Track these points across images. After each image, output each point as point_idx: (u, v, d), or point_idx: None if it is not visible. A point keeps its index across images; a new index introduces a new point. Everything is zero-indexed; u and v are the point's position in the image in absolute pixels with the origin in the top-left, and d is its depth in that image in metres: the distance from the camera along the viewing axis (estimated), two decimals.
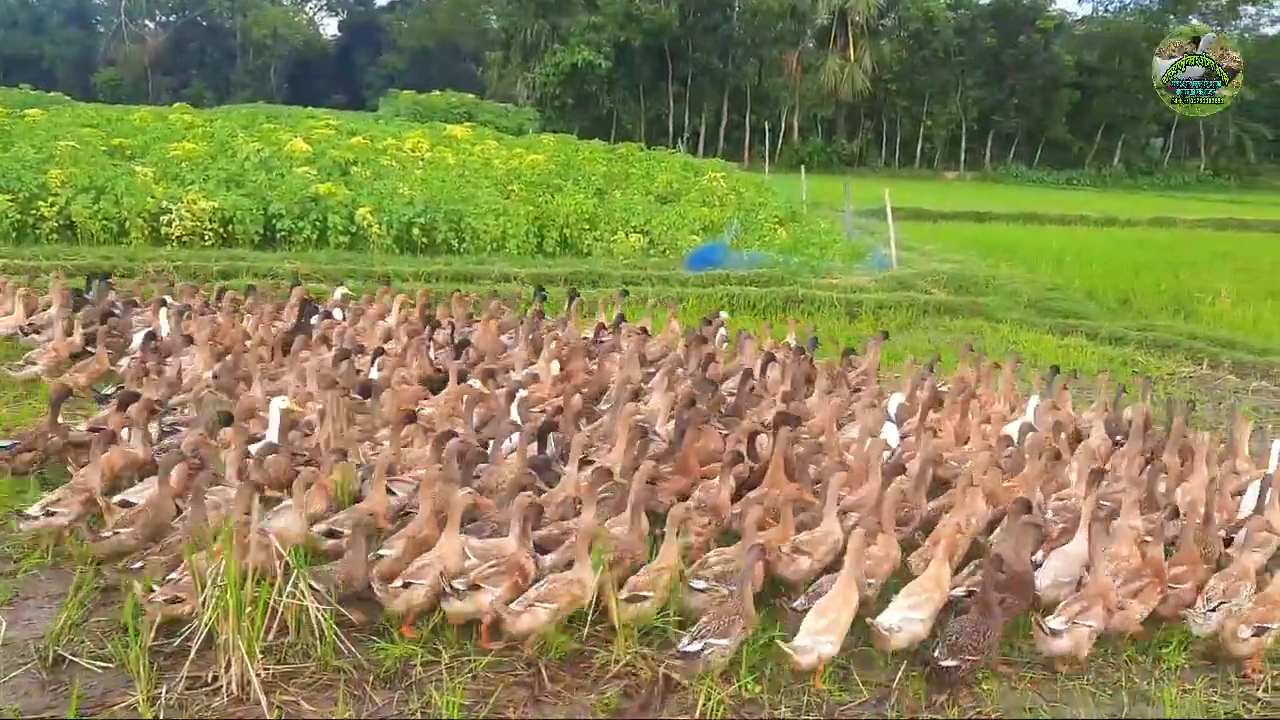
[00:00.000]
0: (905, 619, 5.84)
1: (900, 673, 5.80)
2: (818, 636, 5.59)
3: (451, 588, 5.83)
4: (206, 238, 18.05)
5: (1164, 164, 76.87)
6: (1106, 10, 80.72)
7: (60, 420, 7.91)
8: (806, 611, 5.80)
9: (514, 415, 8.46)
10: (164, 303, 11.80)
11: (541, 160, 27.14)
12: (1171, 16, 73.85)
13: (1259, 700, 5.90)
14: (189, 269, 15.94)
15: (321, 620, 5.68)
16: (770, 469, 7.57)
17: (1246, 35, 78.28)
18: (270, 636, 5.65)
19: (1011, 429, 9.16)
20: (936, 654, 5.65)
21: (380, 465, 7.02)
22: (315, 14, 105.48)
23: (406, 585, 5.91)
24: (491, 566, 5.97)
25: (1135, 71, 71.68)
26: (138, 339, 10.90)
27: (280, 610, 5.68)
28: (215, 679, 5.36)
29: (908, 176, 66.06)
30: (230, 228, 18.31)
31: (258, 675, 5.33)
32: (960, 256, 22.65)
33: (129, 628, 5.62)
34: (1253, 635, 5.99)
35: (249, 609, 5.44)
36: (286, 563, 5.70)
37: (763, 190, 30.26)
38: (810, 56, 73.84)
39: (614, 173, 27.49)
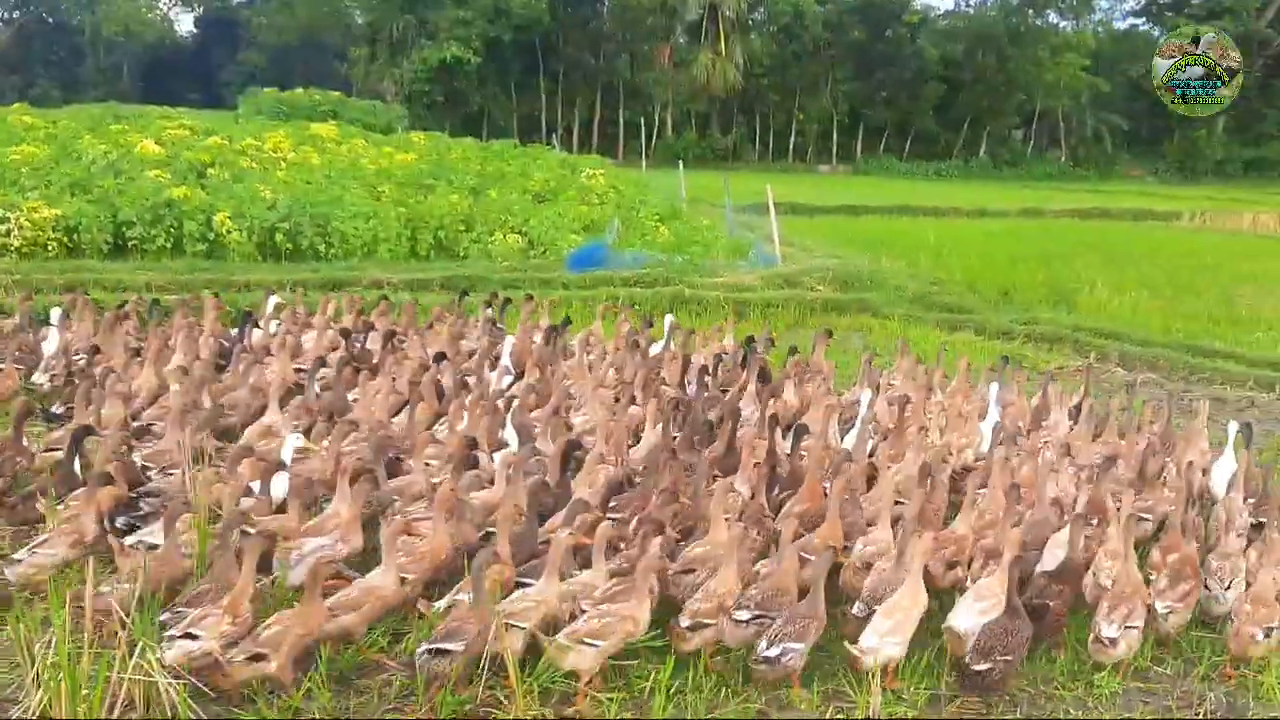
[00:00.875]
0: (980, 622, 5.66)
1: None
2: (885, 638, 5.51)
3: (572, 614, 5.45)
4: (50, 248, 16.65)
5: (1026, 155, 79.16)
6: (969, 5, 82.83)
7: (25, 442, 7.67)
8: (867, 617, 5.75)
9: (509, 431, 8.17)
10: (67, 315, 11.23)
11: (412, 159, 26.17)
12: (1030, 11, 76.10)
13: None
14: (30, 282, 14.66)
15: (174, 693, 4.96)
16: (806, 480, 7.39)
17: (1100, 29, 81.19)
18: (114, 715, 4.90)
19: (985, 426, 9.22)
20: (969, 659, 5.47)
21: (440, 502, 6.49)
22: (170, 9, 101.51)
23: (506, 628, 5.32)
24: (613, 586, 5.69)
25: (997, 65, 73.80)
26: (47, 351, 10.50)
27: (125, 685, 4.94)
28: None
29: (781, 170, 66.43)
30: (76, 237, 16.96)
31: None
32: (842, 252, 22.51)
33: None
34: (1264, 637, 5.94)
35: (85, 690, 4.70)
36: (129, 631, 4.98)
37: (642, 187, 29.79)
38: (682, 51, 73.96)
39: (488, 171, 26.63)
